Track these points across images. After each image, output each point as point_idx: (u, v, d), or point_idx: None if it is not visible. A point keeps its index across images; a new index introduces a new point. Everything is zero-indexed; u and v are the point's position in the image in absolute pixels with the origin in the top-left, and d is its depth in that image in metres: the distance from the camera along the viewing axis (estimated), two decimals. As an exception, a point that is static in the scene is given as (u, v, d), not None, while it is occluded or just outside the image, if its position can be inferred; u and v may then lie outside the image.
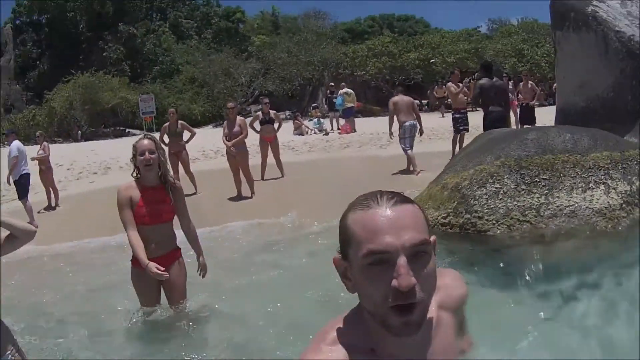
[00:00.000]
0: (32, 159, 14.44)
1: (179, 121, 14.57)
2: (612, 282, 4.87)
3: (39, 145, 15.08)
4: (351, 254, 1.47)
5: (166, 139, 14.03)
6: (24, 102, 51.78)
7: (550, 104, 25.12)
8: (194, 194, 13.57)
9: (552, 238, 5.71)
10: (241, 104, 41.11)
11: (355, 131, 25.06)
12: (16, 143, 13.61)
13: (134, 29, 56.50)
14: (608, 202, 5.93)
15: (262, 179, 14.62)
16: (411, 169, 13.55)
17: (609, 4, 14.83)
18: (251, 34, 64.50)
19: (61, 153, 15.95)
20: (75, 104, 40.74)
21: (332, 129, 27.24)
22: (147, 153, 5.33)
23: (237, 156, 13.07)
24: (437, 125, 22.61)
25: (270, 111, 15.72)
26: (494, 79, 12.79)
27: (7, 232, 3.92)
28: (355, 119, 27.21)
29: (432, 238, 1.49)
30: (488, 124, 11.67)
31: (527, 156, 6.39)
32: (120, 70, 50.85)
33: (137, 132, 34.11)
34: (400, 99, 14.24)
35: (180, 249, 5.71)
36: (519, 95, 18.84)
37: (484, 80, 12.56)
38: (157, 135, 12.89)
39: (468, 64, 41.55)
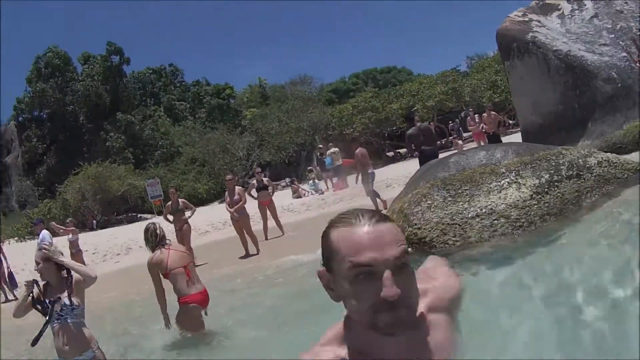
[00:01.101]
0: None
1: (180, 199, 16.41)
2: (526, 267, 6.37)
3: (68, 230, 16.99)
4: (335, 267, 1.58)
5: (170, 217, 15.93)
6: (37, 197, 54.04)
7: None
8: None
9: (477, 238, 7.35)
10: (242, 177, 42.86)
11: (347, 186, 26.49)
12: (46, 232, 15.65)
13: (131, 117, 59.45)
14: (519, 195, 7.62)
15: (266, 239, 16.37)
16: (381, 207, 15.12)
17: (549, 26, 16.94)
18: (242, 107, 67.49)
19: (82, 240, 17.64)
20: (87, 194, 42.69)
21: (327, 188, 29.00)
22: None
23: (239, 220, 15.12)
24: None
25: (263, 179, 17.89)
26: (418, 124, 14.91)
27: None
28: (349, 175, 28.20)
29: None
30: (423, 161, 13.39)
31: (450, 175, 8.16)
32: (124, 158, 53.71)
33: (149, 216, 35.62)
34: (364, 151, 16.41)
35: None
36: (484, 125, 20.48)
37: (411, 130, 14.54)
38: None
39: (447, 105, 43.39)
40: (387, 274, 1.48)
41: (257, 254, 14.71)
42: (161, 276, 7.44)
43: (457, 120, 42.01)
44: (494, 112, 20.54)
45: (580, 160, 8.34)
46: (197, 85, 73.30)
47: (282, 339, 6.73)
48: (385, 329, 1.51)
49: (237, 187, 15.93)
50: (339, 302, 1.63)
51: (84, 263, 16.52)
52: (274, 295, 9.21)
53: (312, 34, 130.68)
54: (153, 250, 7.55)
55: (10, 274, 17.26)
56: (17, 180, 56.85)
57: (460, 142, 27.45)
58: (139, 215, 42.83)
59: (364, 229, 1.54)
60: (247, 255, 14.80)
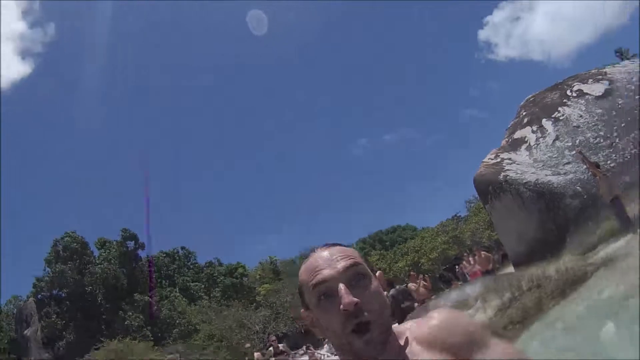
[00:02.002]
0: None
1: None
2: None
3: None
4: (307, 300, 1.70)
5: None
6: (55, 371, 53.09)
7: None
8: None
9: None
10: (260, 349, 43.12)
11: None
12: None
13: (148, 297, 60.59)
14: (485, 315, 8.80)
15: None
16: None
17: (519, 160, 18.60)
18: (255, 284, 68.10)
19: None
20: (107, 370, 42.33)
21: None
22: None
23: None
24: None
25: (279, 345, 19.37)
26: (397, 287, 17.89)
27: None
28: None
29: (378, 273, 1.73)
30: (401, 316, 15.15)
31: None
32: (143, 336, 53.44)
33: (170, 393, 35.70)
34: None
35: None
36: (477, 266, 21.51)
37: (392, 291, 17.00)
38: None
39: (450, 254, 44.54)
40: (340, 286, 1.59)
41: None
42: None
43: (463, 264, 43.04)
44: (484, 252, 21.70)
45: (539, 271, 9.57)
46: (210, 266, 74.81)
47: None
48: (361, 352, 1.57)
49: (255, 354, 17.87)
50: (325, 337, 1.69)
51: None
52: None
53: (319, 207, 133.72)
54: None
55: None
56: (36, 352, 57.04)
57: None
58: (160, 393, 42.50)
59: (318, 254, 1.70)
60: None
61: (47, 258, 62.76)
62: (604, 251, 12.65)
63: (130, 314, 58.81)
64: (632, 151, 16.50)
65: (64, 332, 59.42)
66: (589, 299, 8.66)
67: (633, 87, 18.38)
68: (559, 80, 21.60)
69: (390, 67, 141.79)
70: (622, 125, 17.36)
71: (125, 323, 57.32)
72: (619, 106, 17.98)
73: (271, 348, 19.37)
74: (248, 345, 18.65)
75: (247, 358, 18.69)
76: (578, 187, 16.26)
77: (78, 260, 61.63)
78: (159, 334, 57.84)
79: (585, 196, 15.94)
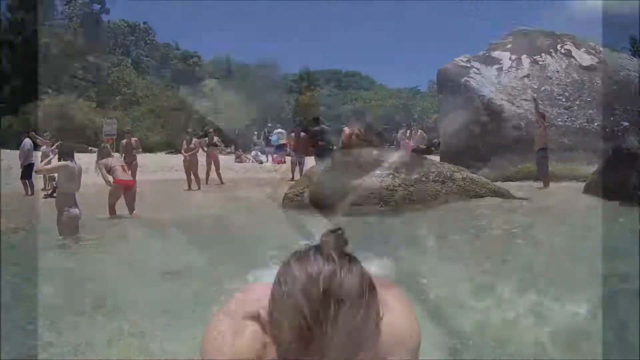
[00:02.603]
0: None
1: (133, 139, 19.96)
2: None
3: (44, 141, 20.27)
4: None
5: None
6: (-2, 110, 54.64)
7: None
8: None
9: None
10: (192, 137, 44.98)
11: (284, 162, 29.31)
12: (28, 140, 19.28)
13: (101, 62, 60.93)
14: (392, 182, 10.84)
15: (206, 183, 19.86)
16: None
17: (485, 74, 20.00)
18: (205, 77, 68.54)
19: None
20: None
21: (267, 160, 32.34)
22: None
23: (190, 162, 18.72)
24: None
25: (215, 137, 21.35)
26: (322, 125, 19.48)
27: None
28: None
29: None
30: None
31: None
32: (88, 97, 55.05)
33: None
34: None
35: None
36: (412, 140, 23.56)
37: (316, 129, 19.20)
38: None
39: (395, 117, 46.72)
40: None
41: (198, 189, 18.60)
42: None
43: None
44: (421, 131, 23.78)
45: (448, 172, 11.63)
46: (167, 47, 74.98)
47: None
48: None
49: (194, 140, 19.86)
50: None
51: None
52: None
53: (290, 24, 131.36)
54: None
55: None
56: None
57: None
58: (89, 147, 44.21)
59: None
60: (189, 189, 18.55)
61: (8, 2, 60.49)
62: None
63: (80, 72, 59.20)
64: (582, 124, 18.24)
65: (11, 78, 59.39)
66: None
67: (615, 79, 19.45)
68: (559, 31, 22.30)
69: None
70: (588, 99, 18.77)
71: (74, 80, 57.92)
72: (595, 85, 19.21)
73: (207, 138, 21.40)
74: (190, 129, 20.63)
75: (181, 142, 20.65)
76: (522, 123, 17.98)
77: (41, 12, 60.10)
78: (103, 98, 58.89)
79: (524, 133, 17.60)
